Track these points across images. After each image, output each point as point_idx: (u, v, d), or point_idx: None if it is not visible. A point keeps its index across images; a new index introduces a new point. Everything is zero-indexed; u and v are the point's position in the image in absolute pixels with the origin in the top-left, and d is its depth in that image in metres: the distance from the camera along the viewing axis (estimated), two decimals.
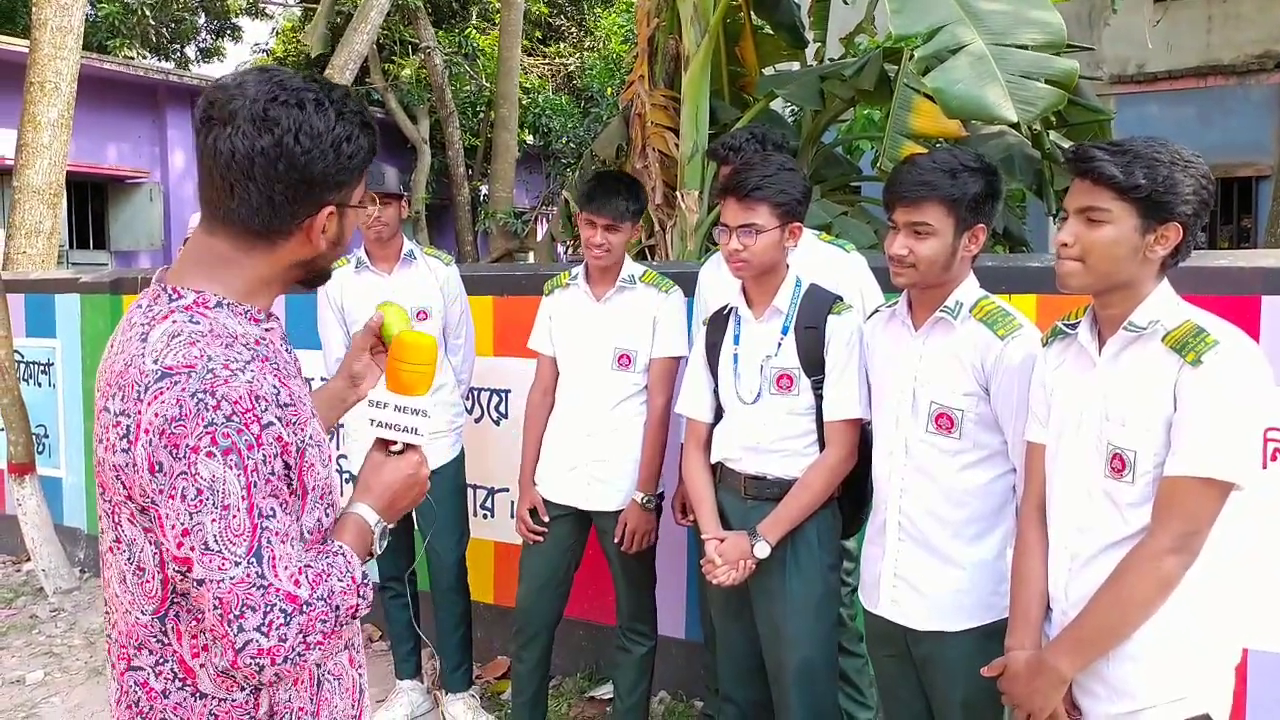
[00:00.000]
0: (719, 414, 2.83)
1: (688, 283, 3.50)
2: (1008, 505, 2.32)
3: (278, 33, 21.05)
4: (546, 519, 3.31)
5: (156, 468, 1.23)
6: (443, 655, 3.86)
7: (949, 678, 2.32)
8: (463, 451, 3.80)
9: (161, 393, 1.23)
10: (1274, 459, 2.80)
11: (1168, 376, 1.83)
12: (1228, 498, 1.82)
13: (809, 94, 5.60)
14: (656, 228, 5.90)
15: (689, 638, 3.89)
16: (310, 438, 1.37)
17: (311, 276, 1.47)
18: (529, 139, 17.54)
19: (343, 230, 1.44)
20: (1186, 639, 1.87)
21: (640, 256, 6.10)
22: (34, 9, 6.70)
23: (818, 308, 2.67)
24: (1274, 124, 10.20)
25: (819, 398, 2.65)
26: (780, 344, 2.68)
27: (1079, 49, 6.13)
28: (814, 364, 2.65)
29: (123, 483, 1.28)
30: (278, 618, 1.24)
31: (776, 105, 6.88)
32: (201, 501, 1.22)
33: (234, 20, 20.32)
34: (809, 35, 6.55)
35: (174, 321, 1.30)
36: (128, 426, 1.26)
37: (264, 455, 1.25)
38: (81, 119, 7.63)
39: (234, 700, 1.36)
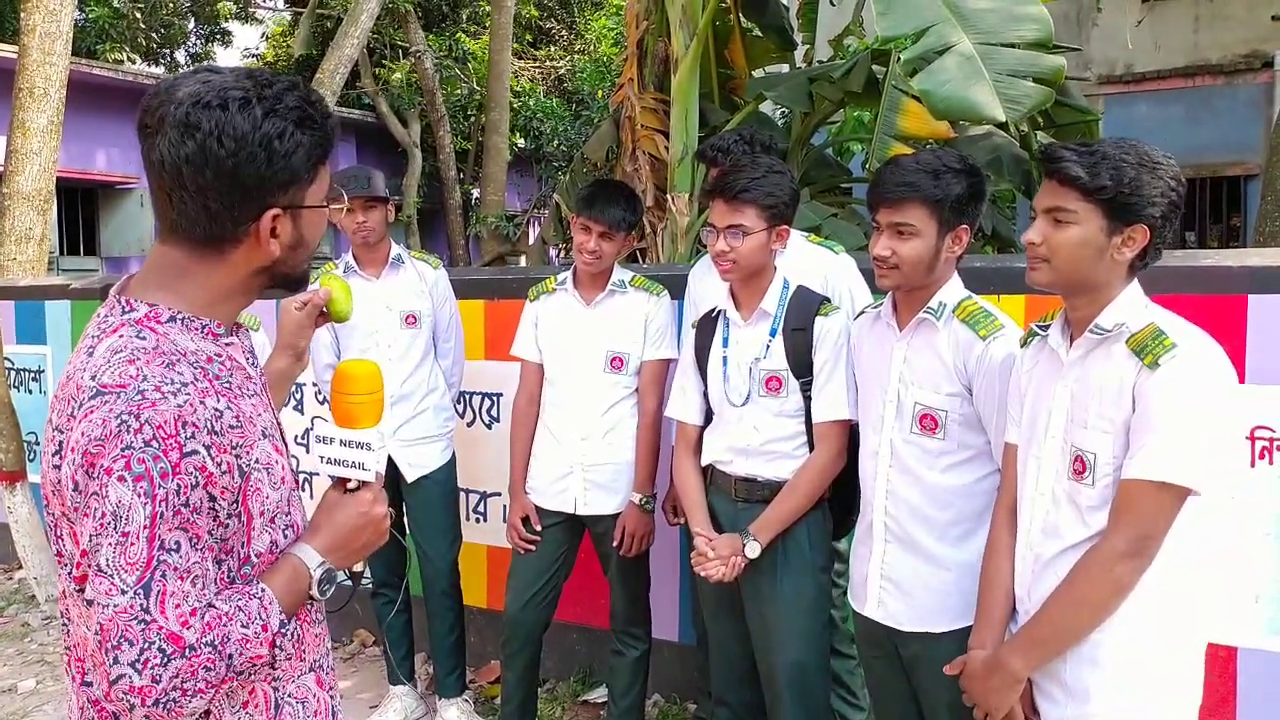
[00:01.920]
0: (709, 417, 2.83)
1: (678, 285, 3.50)
2: (993, 505, 2.32)
3: (267, 37, 21.03)
4: (539, 527, 3.31)
5: (74, 485, 1.20)
6: (436, 660, 3.85)
7: (937, 679, 2.32)
8: (454, 456, 3.80)
9: (92, 411, 1.20)
10: (1261, 457, 2.81)
11: (1127, 379, 1.84)
12: (1184, 503, 1.82)
13: (798, 96, 5.61)
14: (647, 230, 5.90)
15: (682, 640, 3.90)
16: (257, 460, 1.32)
17: (283, 281, 1.41)
18: (520, 142, 17.53)
19: (301, 232, 1.36)
20: (1145, 644, 1.87)
21: (631, 259, 6.11)
22: (22, 14, 6.68)
23: (805, 309, 2.68)
24: (1261, 123, 10.23)
25: (808, 399, 2.66)
26: (769, 346, 2.68)
27: (1067, 49, 6.15)
28: (802, 366, 2.65)
29: (59, 498, 1.25)
30: (154, 656, 1.17)
31: (766, 107, 6.89)
32: (103, 525, 1.18)
33: (224, 25, 20.27)
34: (797, 37, 6.57)
35: (121, 336, 1.27)
36: (59, 443, 1.24)
37: (178, 485, 1.20)
38: (71, 125, 7.60)
39: None
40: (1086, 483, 1.89)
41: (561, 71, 19.25)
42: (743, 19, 6.31)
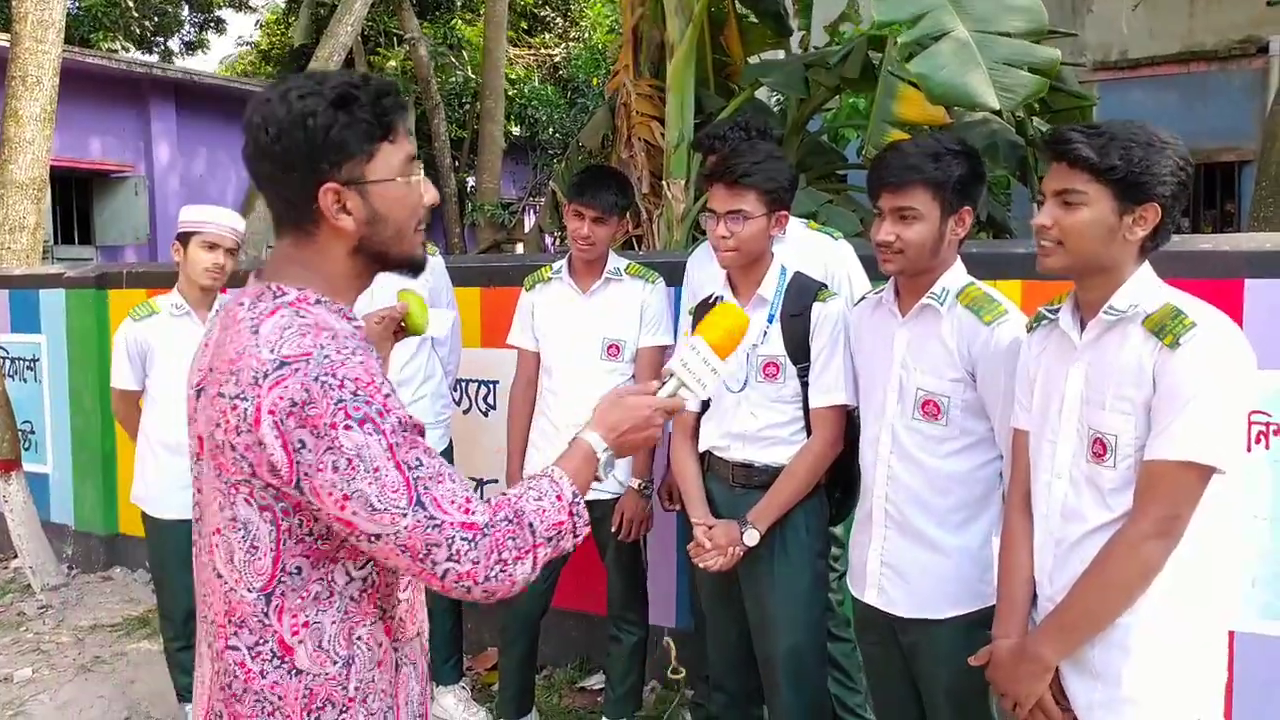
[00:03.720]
0: (706, 403, 2.83)
1: (675, 272, 3.50)
2: (994, 492, 2.32)
3: (261, 25, 20.93)
4: None
5: (299, 446, 1.30)
6: (433, 648, 3.82)
7: (936, 665, 2.33)
8: (451, 443, 3.80)
9: (282, 379, 1.30)
10: (1258, 442, 2.81)
11: (1146, 360, 1.83)
12: (1209, 481, 1.81)
13: (794, 82, 5.59)
14: (643, 217, 5.90)
15: (680, 627, 3.90)
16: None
17: (384, 260, 1.49)
18: (515, 130, 17.48)
19: (374, 207, 1.43)
20: (1173, 627, 1.86)
21: (627, 246, 6.10)
22: (14, 2, 6.64)
23: (803, 295, 2.68)
24: (1256, 109, 10.22)
25: (805, 385, 2.66)
26: (766, 332, 2.68)
27: (1061, 35, 6.13)
28: (800, 352, 2.65)
29: (249, 461, 1.34)
30: (462, 545, 1.32)
31: (762, 94, 6.86)
32: (354, 470, 1.29)
33: (218, 13, 20.18)
34: (793, 23, 6.54)
35: (283, 315, 1.37)
36: (245, 410, 1.32)
37: (394, 419, 1.33)
38: (65, 113, 7.58)
39: (327, 675, 1.41)
40: (1108, 465, 1.88)
41: (557, 59, 19.19)
42: (738, 5, 6.29)
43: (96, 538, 5.75)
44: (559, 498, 1.44)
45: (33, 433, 5.95)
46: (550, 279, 3.36)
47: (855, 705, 3.27)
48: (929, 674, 2.36)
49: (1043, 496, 2.03)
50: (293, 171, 1.40)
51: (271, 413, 1.30)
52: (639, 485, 3.22)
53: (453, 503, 1.33)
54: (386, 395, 1.34)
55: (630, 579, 3.39)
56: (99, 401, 5.54)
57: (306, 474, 1.31)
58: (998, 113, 4.88)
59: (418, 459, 1.33)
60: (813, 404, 2.65)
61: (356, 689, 1.43)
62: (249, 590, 1.39)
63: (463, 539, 1.32)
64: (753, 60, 6.50)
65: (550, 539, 1.41)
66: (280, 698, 1.40)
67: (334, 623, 1.41)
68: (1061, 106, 5.58)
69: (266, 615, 1.39)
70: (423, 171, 1.52)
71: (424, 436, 1.41)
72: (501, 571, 1.35)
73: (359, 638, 1.44)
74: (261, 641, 1.40)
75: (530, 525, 1.38)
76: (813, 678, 2.72)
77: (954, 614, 2.31)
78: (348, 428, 1.29)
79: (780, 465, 2.66)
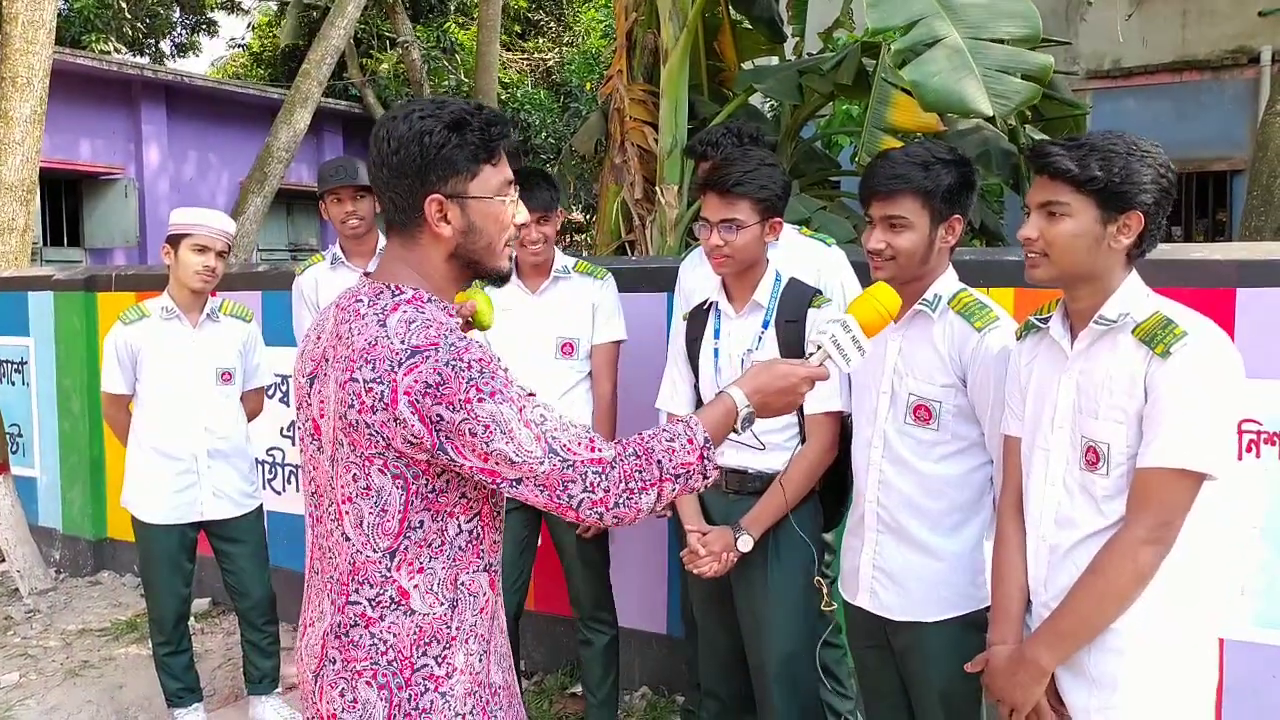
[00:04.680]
0: (698, 407, 2.82)
1: (668, 277, 3.50)
2: (985, 496, 2.33)
3: (253, 27, 20.91)
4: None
5: (436, 421, 1.48)
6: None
7: (928, 668, 2.33)
8: None
9: (416, 365, 1.48)
10: (1249, 450, 2.82)
11: (1138, 369, 1.85)
12: (1201, 488, 1.83)
13: (788, 89, 5.60)
14: (636, 223, 5.89)
15: (670, 632, 3.89)
16: None
17: (476, 269, 1.67)
18: None
19: (470, 219, 1.61)
20: (1166, 632, 1.88)
21: (620, 251, 6.09)
22: (5, 3, 6.62)
23: (798, 301, 2.68)
24: (1248, 119, 10.27)
25: None
26: (761, 338, 2.68)
27: (1055, 43, 6.16)
28: (795, 358, 2.64)
29: (384, 435, 1.51)
30: (594, 479, 1.51)
31: (755, 100, 6.88)
32: (491, 433, 1.48)
33: (209, 15, 20.15)
34: (787, 30, 6.55)
35: (404, 311, 1.55)
36: (381, 392, 1.50)
37: (516, 389, 1.52)
38: (55, 114, 7.55)
39: (436, 614, 1.59)
40: (1100, 472, 1.90)
41: (550, 63, 19.20)
42: (732, 11, 6.29)
43: (85, 542, 5.72)
44: (690, 441, 1.59)
45: (21, 436, 5.92)
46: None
47: (846, 712, 3.26)
48: (921, 677, 2.36)
49: (1035, 503, 2.04)
50: (404, 180, 1.58)
51: (408, 394, 1.48)
52: None
53: (580, 443, 1.52)
54: (505, 370, 1.54)
55: (599, 577, 3.38)
56: (87, 405, 5.52)
57: (449, 438, 1.49)
58: (991, 120, 4.90)
59: (542, 415, 1.52)
60: (807, 410, 2.64)
61: (458, 629, 1.61)
62: (374, 550, 1.57)
63: (594, 472, 1.51)
64: (746, 66, 6.51)
65: (678, 476, 1.57)
66: (395, 634, 1.58)
67: (444, 568, 1.59)
68: (1054, 115, 5.61)
69: (389, 570, 1.57)
70: (518, 194, 1.68)
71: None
72: (629, 499, 1.53)
73: (463, 583, 1.62)
74: (381, 591, 1.58)
75: (659, 462, 1.55)
76: (804, 683, 2.71)
77: (946, 617, 2.32)
78: (480, 400, 1.48)
79: (774, 471, 2.66)
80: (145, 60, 18.27)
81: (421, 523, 1.57)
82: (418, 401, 1.49)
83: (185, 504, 3.57)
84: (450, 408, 1.48)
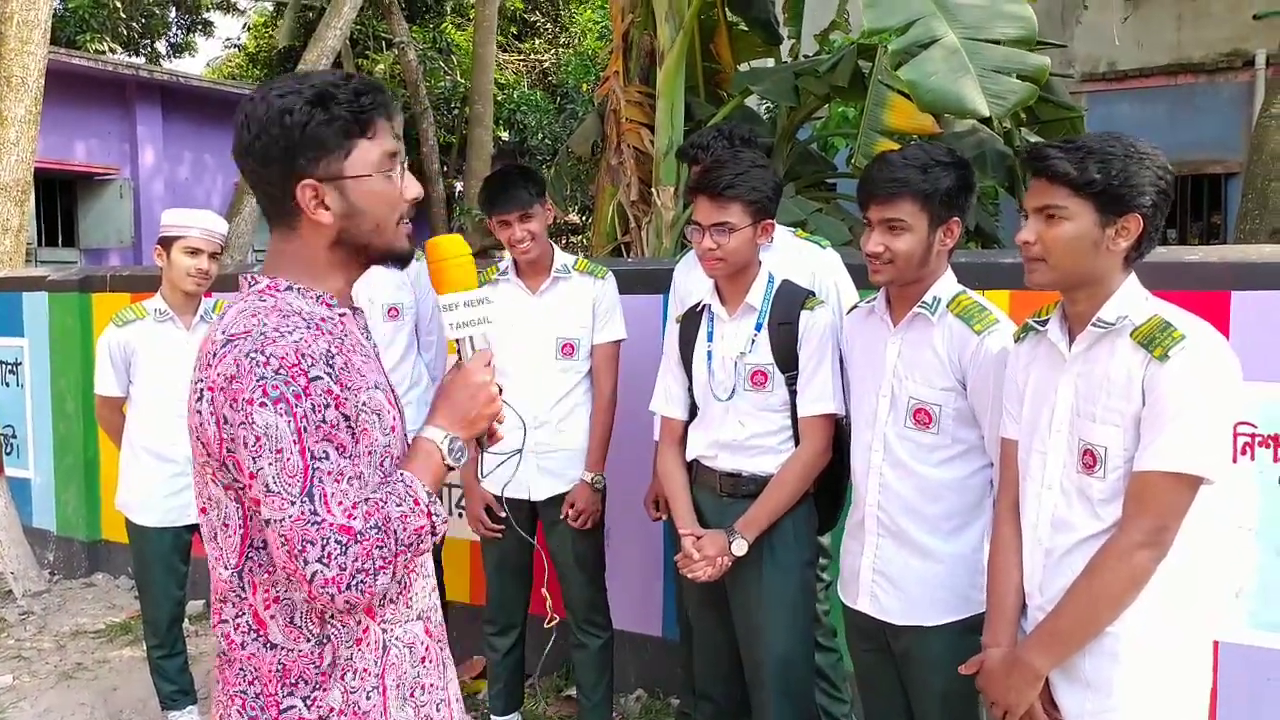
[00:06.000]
0: (694, 411, 2.82)
1: (664, 280, 3.49)
2: (985, 499, 2.33)
3: (249, 27, 20.89)
4: (504, 514, 3.28)
5: (222, 421, 1.34)
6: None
7: (928, 672, 2.33)
8: None
9: (224, 355, 1.34)
10: (1243, 453, 2.82)
11: (1136, 372, 1.84)
12: (1197, 492, 1.83)
13: (784, 90, 5.61)
14: (632, 224, 5.89)
15: (665, 635, 3.89)
16: (365, 404, 1.43)
17: (367, 254, 1.51)
18: (504, 135, 17.47)
19: (351, 201, 1.46)
20: (1163, 635, 1.87)
21: (616, 253, 6.09)
22: (0, 3, 6.61)
23: (791, 304, 2.67)
24: (1243, 122, 10.29)
25: (794, 394, 2.65)
26: (754, 341, 2.67)
27: (1051, 46, 6.17)
28: (788, 360, 2.64)
29: (201, 442, 1.39)
30: (334, 549, 1.31)
31: (751, 101, 6.88)
32: (260, 447, 1.31)
33: (205, 15, 20.12)
34: (784, 31, 6.56)
35: (246, 301, 1.44)
36: (200, 389, 1.38)
37: (312, 404, 1.33)
38: (50, 115, 7.53)
39: (300, 651, 1.43)
40: (1097, 476, 1.90)
41: (546, 64, 19.20)
42: (729, 13, 6.30)
43: (79, 543, 5.71)
44: (416, 502, 1.42)
45: (14, 437, 5.90)
46: (496, 280, 3.32)
47: (841, 715, 3.26)
48: (920, 681, 2.36)
49: (1032, 506, 2.03)
50: (269, 165, 1.43)
51: (210, 389, 1.35)
52: (591, 479, 3.22)
53: (340, 504, 1.33)
54: (314, 379, 1.33)
55: (593, 579, 3.37)
56: (82, 406, 5.50)
57: (230, 449, 1.34)
58: (987, 122, 4.91)
59: (325, 451, 1.33)
60: (801, 413, 2.64)
61: (332, 666, 1.45)
62: (225, 567, 1.44)
63: (336, 541, 1.32)
64: (743, 68, 6.52)
65: (410, 545, 1.40)
66: (256, 669, 1.44)
67: (305, 599, 1.41)
68: (1050, 117, 5.62)
69: (242, 590, 1.44)
70: (405, 166, 1.52)
71: (366, 421, 1.42)
72: (363, 582, 1.33)
73: (332, 616, 1.44)
74: (240, 614, 1.45)
75: (395, 534, 1.37)
76: (800, 686, 2.71)
77: (946, 620, 2.31)
78: (262, 405, 1.31)
79: (768, 474, 2.65)
80: (141, 61, 18.22)
81: (264, 543, 1.40)
82: (215, 399, 1.35)
83: (179, 506, 3.55)
84: (233, 406, 1.32)
